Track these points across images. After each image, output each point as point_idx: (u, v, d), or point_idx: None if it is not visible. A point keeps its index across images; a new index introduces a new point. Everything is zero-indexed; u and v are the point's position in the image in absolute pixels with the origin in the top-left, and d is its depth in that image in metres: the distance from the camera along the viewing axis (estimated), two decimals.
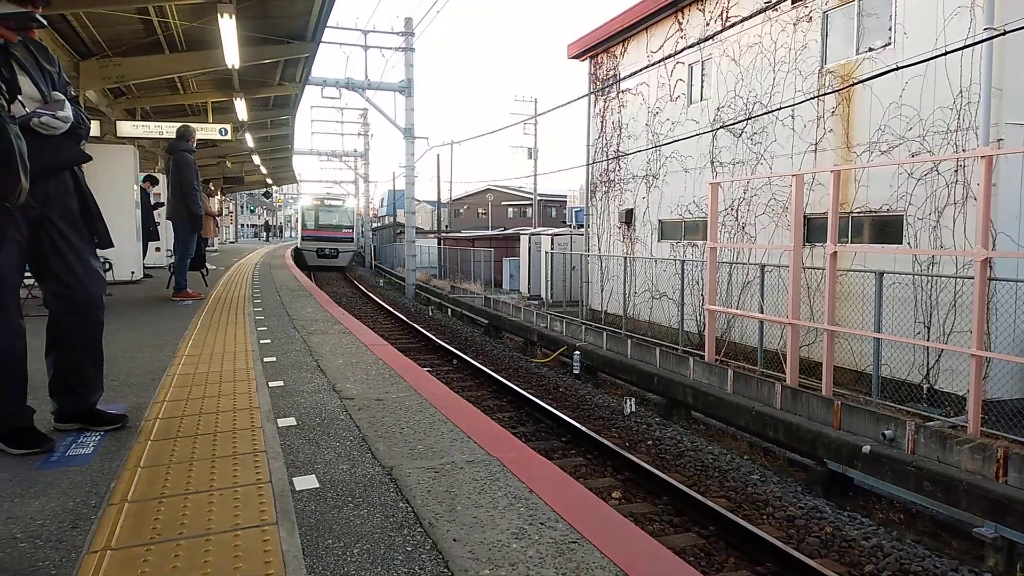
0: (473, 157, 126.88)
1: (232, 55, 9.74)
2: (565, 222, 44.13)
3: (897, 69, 8.25)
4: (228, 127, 14.19)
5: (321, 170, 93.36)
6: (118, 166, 10.87)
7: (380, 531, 2.02)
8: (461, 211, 59.80)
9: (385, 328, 15.69)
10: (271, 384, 3.89)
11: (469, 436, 2.88)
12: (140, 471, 2.55)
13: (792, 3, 11.01)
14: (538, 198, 47.23)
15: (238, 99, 13.70)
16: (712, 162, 13.37)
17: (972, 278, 7.57)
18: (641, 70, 14.17)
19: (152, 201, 12.66)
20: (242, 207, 65.18)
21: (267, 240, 50.51)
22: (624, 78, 15.46)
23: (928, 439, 7.46)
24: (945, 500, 6.58)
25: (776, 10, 11.29)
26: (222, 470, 2.54)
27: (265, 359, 4.66)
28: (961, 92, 8.74)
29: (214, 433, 2.99)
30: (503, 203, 59.46)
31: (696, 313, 13.39)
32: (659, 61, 12.71)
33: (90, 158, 2.93)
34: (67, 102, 2.72)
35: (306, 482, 2.41)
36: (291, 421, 3.15)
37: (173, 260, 9.05)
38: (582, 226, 25.30)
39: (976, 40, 8.09)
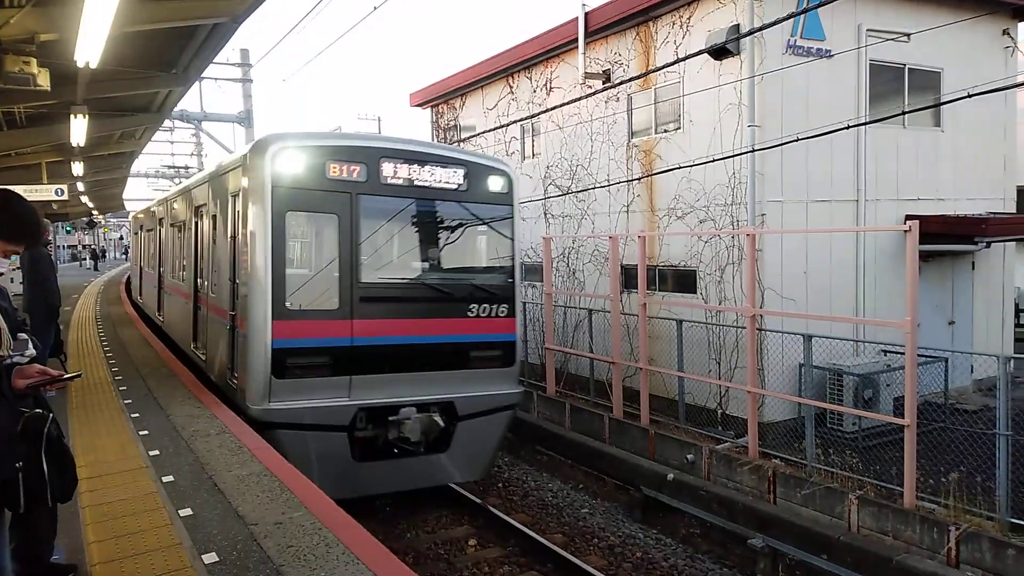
0: None
1: (79, 138, 9.94)
2: None
3: (680, 168, 10.10)
4: (64, 187, 13.95)
5: (149, 187, 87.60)
6: None
7: None
8: None
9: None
10: (182, 513, 4.69)
11: (359, 559, 3.93)
12: None
13: (603, 83, 12.76)
14: None
15: (76, 161, 13.55)
16: (545, 214, 14.97)
17: (745, 328, 9.50)
18: (479, 134, 15.54)
19: None
20: (58, 226, 60.50)
21: (95, 268, 47.10)
22: (465, 139, 16.77)
23: (719, 462, 9.28)
24: (728, 517, 8.35)
25: (589, 87, 12.99)
26: None
27: (164, 479, 5.39)
28: (734, 173, 10.77)
29: None
30: None
31: (538, 346, 14.90)
32: (493, 128, 14.11)
33: None
34: (28, 341, 3.45)
35: None
36: (214, 557, 4.03)
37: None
38: None
39: (738, 152, 10.13)
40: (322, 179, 7.34)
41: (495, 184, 8.40)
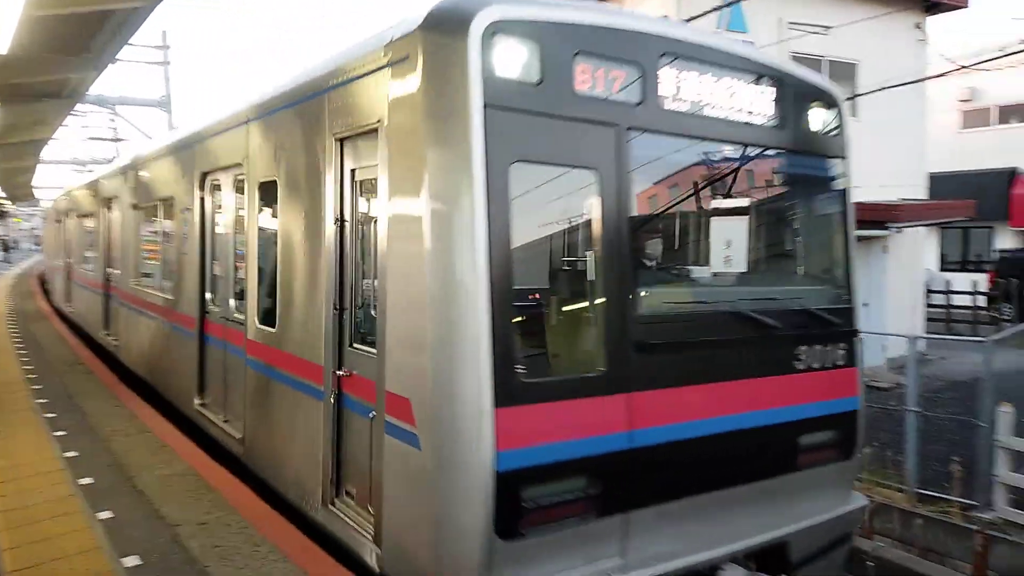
0: None
1: None
2: None
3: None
4: None
5: (72, 172, 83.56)
6: None
7: None
8: None
9: None
10: (101, 516, 4.53)
11: (287, 557, 3.89)
12: None
13: None
14: None
15: None
16: None
17: None
18: None
19: None
20: None
21: (6, 260, 44.61)
22: None
23: None
24: None
25: None
26: None
27: (81, 481, 5.19)
28: None
29: None
30: None
31: None
32: None
33: None
34: None
35: None
36: (136, 560, 3.91)
37: None
38: None
39: None
40: (568, 95, 3.46)
41: (820, 118, 4.55)
